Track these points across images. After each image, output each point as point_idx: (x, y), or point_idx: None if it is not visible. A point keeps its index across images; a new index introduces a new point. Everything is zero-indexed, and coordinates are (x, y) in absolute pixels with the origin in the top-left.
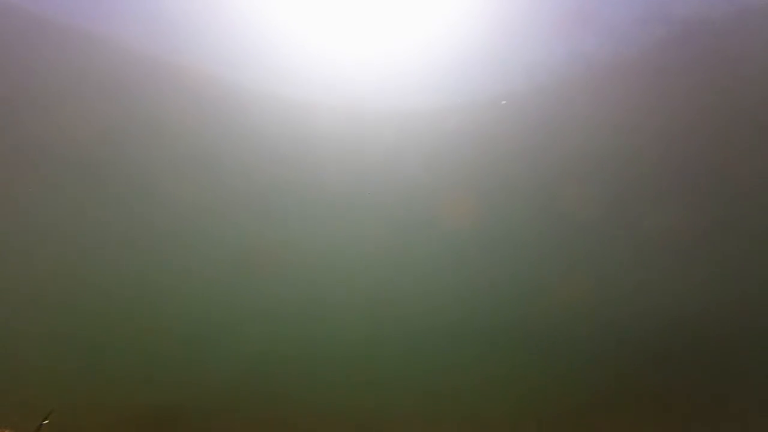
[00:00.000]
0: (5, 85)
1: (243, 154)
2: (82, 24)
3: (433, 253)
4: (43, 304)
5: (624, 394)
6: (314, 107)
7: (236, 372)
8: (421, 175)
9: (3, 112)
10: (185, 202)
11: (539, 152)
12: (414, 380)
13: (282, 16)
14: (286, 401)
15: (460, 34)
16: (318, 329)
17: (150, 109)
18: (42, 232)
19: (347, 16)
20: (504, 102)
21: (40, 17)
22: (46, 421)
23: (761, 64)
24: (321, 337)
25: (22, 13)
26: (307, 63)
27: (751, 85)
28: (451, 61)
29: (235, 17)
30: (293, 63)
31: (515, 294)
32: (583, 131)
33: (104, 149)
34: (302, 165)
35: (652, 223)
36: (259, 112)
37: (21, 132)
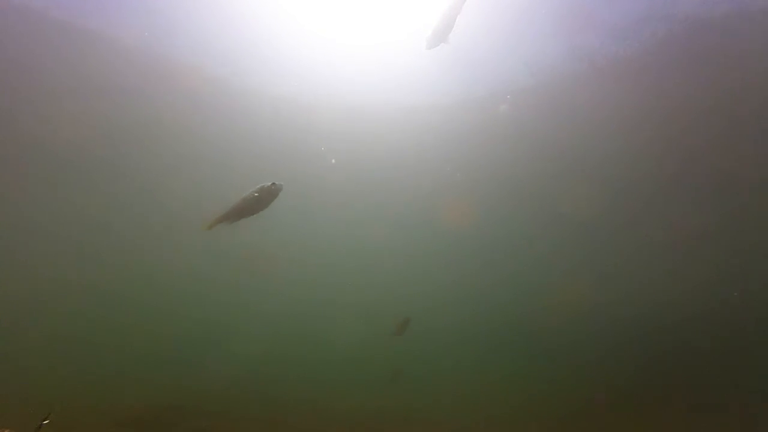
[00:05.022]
0: (5, 85)
1: (242, 153)
2: (80, 22)
3: (434, 252)
4: (43, 305)
5: (624, 394)
6: (314, 106)
7: (236, 372)
8: (422, 173)
9: (3, 111)
10: (185, 201)
11: (540, 150)
12: (414, 380)
13: (282, 14)
14: (285, 401)
15: (461, 32)
16: (318, 330)
17: (149, 109)
18: (42, 232)
19: (348, 15)
20: (508, 96)
21: (39, 15)
22: (46, 421)
23: (763, 62)
24: (321, 338)
25: (20, 11)
26: (307, 62)
27: (753, 84)
28: (452, 60)
29: (236, 16)
30: (293, 62)
31: (516, 294)
32: (584, 130)
33: (104, 149)
34: (302, 164)
35: (653, 222)
36: (258, 111)
37: (21, 132)
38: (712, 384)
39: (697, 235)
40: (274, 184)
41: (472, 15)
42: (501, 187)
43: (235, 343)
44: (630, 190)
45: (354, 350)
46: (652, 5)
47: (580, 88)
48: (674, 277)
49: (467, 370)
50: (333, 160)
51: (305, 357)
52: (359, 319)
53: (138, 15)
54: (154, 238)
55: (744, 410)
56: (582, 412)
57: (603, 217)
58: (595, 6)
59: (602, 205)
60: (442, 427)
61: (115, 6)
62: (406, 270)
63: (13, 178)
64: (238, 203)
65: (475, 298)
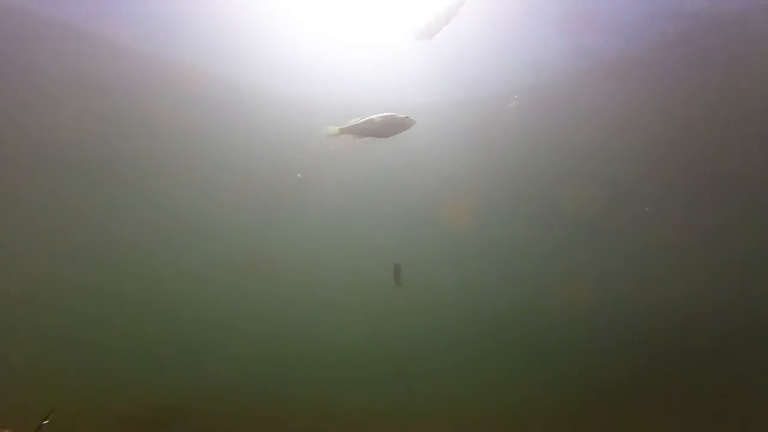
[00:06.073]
0: (5, 85)
1: (242, 154)
2: (79, 23)
3: (435, 251)
4: (43, 305)
5: (625, 394)
6: (313, 106)
7: (236, 372)
8: (423, 173)
9: (3, 111)
10: (185, 202)
11: (543, 149)
12: (414, 380)
13: (282, 14)
14: (286, 401)
15: (465, 31)
16: (318, 329)
17: (149, 109)
18: (42, 232)
19: (349, 14)
20: (516, 96)
21: (37, 17)
22: (46, 421)
23: (765, 63)
24: (320, 338)
25: (19, 12)
26: (306, 62)
27: (757, 83)
28: (455, 59)
29: (235, 16)
30: (294, 62)
31: (516, 294)
32: (587, 129)
33: (103, 149)
34: (301, 165)
35: (656, 222)
36: (258, 112)
37: (21, 132)
38: (712, 384)
39: (699, 235)
40: (407, 117)
41: (475, 13)
42: (502, 186)
43: (235, 343)
44: (634, 190)
45: (354, 350)
46: (658, 3)
47: (584, 88)
48: (674, 277)
49: (468, 370)
50: (330, 147)
51: (305, 357)
52: (359, 319)
53: (136, 16)
54: (154, 238)
55: (744, 411)
56: (582, 411)
57: (605, 217)
58: (598, 4)
59: (605, 204)
60: (442, 426)
61: (115, 8)
62: (407, 269)
63: (13, 178)
64: (367, 121)
65: (475, 298)
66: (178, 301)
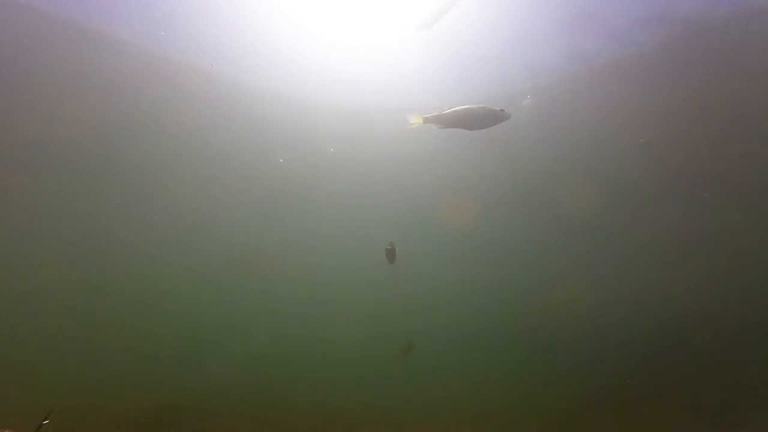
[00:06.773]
0: (5, 85)
1: (243, 154)
2: (81, 20)
3: (434, 251)
4: (43, 305)
5: (624, 393)
6: (315, 106)
7: (236, 372)
8: (421, 175)
9: (3, 111)
10: (185, 202)
11: (539, 152)
12: (414, 380)
13: (284, 14)
14: (286, 401)
15: (461, 34)
16: (318, 329)
17: (149, 108)
18: (41, 231)
19: (349, 16)
20: (529, 96)
21: (38, 14)
22: (46, 421)
23: (761, 64)
24: (321, 337)
25: (21, 11)
26: (307, 62)
27: (751, 85)
28: (452, 62)
29: (237, 15)
30: (294, 62)
31: (515, 294)
32: (583, 131)
33: (104, 149)
34: (302, 164)
35: (652, 223)
36: (259, 111)
37: (21, 130)
38: (711, 384)
39: (697, 235)
40: (502, 110)
41: (471, 18)
42: (501, 187)
43: (234, 342)
44: (630, 191)
45: (354, 349)
46: (651, 7)
47: (579, 90)
48: (673, 276)
49: (468, 369)
50: (332, 149)
51: (305, 356)
52: (359, 319)
53: (137, 14)
54: (154, 236)
55: (742, 410)
56: (581, 410)
57: (602, 218)
58: (593, 8)
59: (602, 205)
60: (443, 426)
61: (116, 5)
62: (407, 269)
63: (13, 178)
64: (458, 111)
65: (475, 297)
66: (177, 301)
